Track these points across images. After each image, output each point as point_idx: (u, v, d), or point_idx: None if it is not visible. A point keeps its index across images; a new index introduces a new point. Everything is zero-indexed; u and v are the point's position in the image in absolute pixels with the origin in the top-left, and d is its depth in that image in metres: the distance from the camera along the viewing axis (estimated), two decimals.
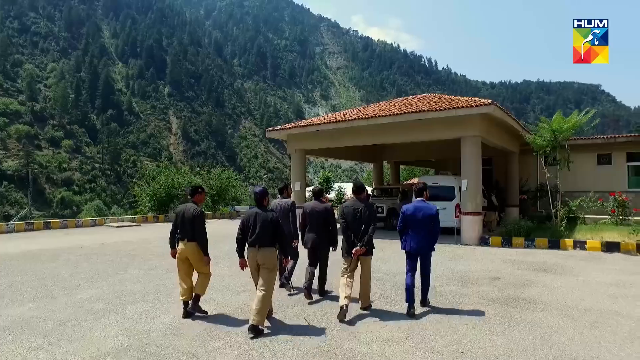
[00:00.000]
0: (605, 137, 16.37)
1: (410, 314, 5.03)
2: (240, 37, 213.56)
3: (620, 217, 13.12)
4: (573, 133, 12.51)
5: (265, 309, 4.50)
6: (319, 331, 4.54)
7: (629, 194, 14.80)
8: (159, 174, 22.00)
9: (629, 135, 16.01)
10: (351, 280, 5.03)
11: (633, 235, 10.15)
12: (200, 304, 5.07)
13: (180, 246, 4.98)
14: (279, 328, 4.65)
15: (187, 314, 4.96)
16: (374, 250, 5.31)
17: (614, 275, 7.32)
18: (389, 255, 9.37)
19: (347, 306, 4.82)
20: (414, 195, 5.58)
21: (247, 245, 4.68)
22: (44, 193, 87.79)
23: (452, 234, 11.79)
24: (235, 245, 4.75)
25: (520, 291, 6.25)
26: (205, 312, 5.08)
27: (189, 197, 5.15)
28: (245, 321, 4.80)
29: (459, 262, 8.70)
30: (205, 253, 5.01)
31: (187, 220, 4.90)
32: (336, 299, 5.49)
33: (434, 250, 5.33)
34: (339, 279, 5.19)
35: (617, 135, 16.15)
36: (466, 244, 11.17)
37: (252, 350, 4.04)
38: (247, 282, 6.83)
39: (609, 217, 13.52)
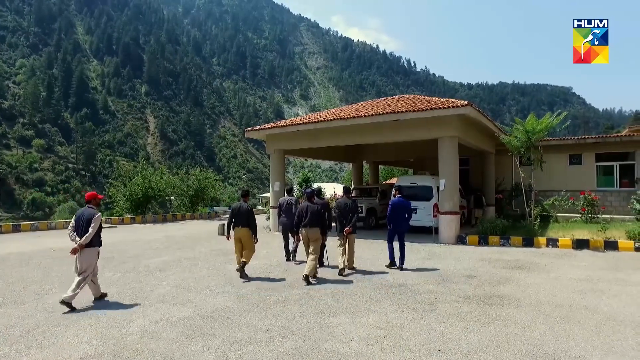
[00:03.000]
0: (576, 138, 16.94)
1: (390, 267, 7.95)
2: (219, 36, 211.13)
3: (590, 215, 13.61)
4: (546, 134, 12.90)
5: (315, 266, 6.97)
6: (297, 325, 4.56)
7: (598, 192, 15.40)
8: (135, 175, 21.56)
9: (597, 136, 16.58)
10: (344, 250, 7.62)
11: (601, 232, 10.58)
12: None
13: (236, 230, 7.15)
14: (258, 328, 4.63)
15: (242, 275, 7.06)
16: (357, 232, 7.95)
17: (583, 272, 7.60)
18: (368, 255, 9.45)
19: (343, 267, 7.43)
20: (391, 195, 8.44)
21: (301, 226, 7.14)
22: (13, 194, 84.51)
23: (430, 233, 11.97)
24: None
25: (495, 289, 6.41)
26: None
27: (241, 198, 7.52)
28: (224, 323, 4.82)
29: (436, 260, 8.85)
30: (255, 236, 7.24)
31: (243, 213, 7.16)
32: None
33: (407, 229, 8.18)
34: (336, 251, 7.84)
35: (586, 137, 16.71)
36: (444, 243, 11.36)
37: (231, 352, 4.00)
38: (225, 282, 6.77)
39: (580, 215, 14.00)
